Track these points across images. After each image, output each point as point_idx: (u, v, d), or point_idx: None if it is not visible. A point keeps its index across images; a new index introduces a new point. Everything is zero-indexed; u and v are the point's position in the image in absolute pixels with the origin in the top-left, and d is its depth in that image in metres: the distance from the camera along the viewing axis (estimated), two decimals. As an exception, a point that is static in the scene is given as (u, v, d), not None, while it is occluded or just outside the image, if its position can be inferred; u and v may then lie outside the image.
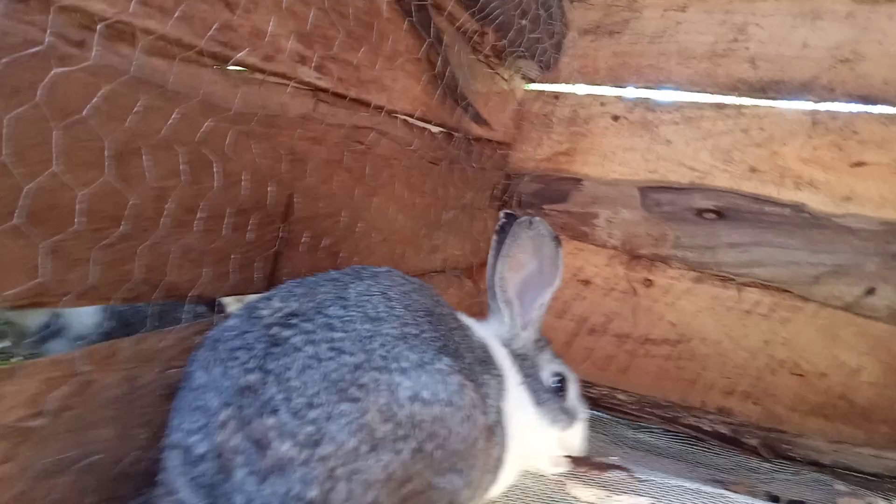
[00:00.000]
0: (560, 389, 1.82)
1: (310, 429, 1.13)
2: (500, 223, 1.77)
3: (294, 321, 1.27)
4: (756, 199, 2.58)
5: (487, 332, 1.63)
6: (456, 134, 2.51)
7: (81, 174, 1.20)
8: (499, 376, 1.52)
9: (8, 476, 1.20)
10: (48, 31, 1.09)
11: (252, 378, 1.18)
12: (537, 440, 1.77)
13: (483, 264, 3.03)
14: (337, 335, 1.24)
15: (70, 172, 1.17)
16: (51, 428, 1.26)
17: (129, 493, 1.44)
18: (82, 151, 1.20)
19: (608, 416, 2.77)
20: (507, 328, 1.71)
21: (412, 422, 1.19)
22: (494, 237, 1.77)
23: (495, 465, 1.47)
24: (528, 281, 1.72)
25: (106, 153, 1.22)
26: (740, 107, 2.62)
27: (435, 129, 2.43)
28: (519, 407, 1.62)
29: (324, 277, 1.45)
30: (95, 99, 1.17)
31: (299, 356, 1.20)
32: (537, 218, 1.68)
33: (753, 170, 2.59)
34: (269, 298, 1.36)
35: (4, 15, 1.03)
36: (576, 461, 2.13)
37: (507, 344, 1.70)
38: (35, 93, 1.08)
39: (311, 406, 1.14)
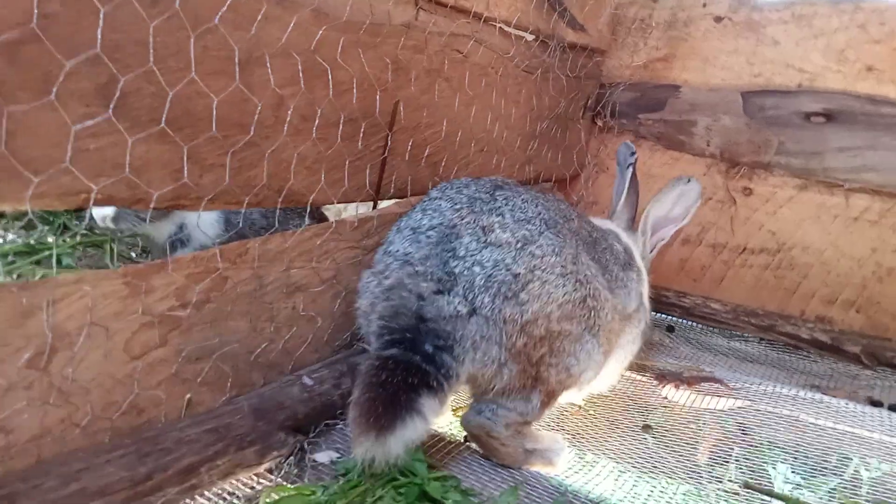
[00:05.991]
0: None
1: (525, 232, 1.45)
2: (631, 160, 2.15)
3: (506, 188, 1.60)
4: (872, 100, 2.43)
5: (630, 241, 2.01)
6: (550, 42, 2.47)
7: (213, 82, 1.28)
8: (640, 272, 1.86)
9: (163, 358, 1.35)
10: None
11: (484, 195, 1.52)
12: None
13: (575, 177, 3.05)
14: (542, 201, 1.57)
15: (204, 80, 1.26)
16: (195, 318, 1.40)
17: (261, 379, 1.59)
18: (214, 60, 1.28)
19: (701, 325, 2.78)
20: (640, 246, 2.11)
21: (586, 277, 1.52)
22: (629, 170, 2.14)
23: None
24: (662, 218, 2.14)
25: (236, 60, 1.29)
26: (859, 1, 2.44)
27: (530, 38, 2.39)
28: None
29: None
30: (224, 8, 1.23)
31: (520, 197, 1.54)
32: (695, 179, 2.12)
33: (870, 69, 2.43)
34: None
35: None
36: (667, 377, 2.18)
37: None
38: (173, 1, 1.15)
39: (528, 221, 1.48)
